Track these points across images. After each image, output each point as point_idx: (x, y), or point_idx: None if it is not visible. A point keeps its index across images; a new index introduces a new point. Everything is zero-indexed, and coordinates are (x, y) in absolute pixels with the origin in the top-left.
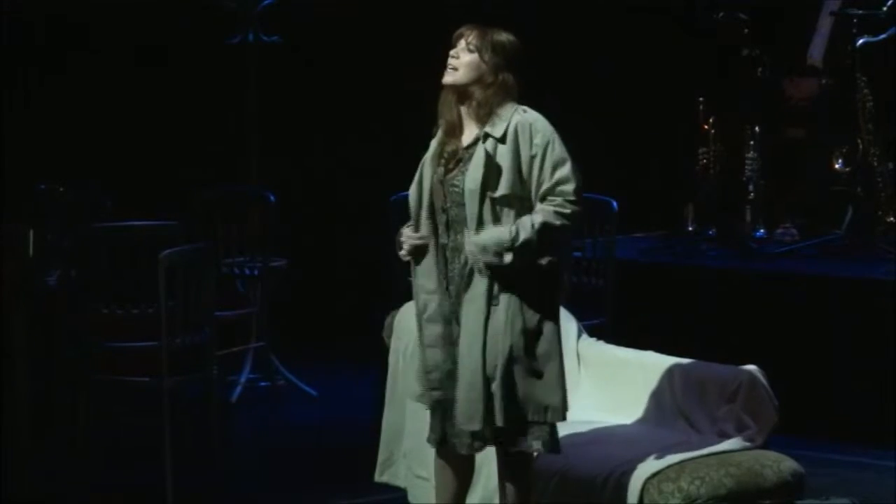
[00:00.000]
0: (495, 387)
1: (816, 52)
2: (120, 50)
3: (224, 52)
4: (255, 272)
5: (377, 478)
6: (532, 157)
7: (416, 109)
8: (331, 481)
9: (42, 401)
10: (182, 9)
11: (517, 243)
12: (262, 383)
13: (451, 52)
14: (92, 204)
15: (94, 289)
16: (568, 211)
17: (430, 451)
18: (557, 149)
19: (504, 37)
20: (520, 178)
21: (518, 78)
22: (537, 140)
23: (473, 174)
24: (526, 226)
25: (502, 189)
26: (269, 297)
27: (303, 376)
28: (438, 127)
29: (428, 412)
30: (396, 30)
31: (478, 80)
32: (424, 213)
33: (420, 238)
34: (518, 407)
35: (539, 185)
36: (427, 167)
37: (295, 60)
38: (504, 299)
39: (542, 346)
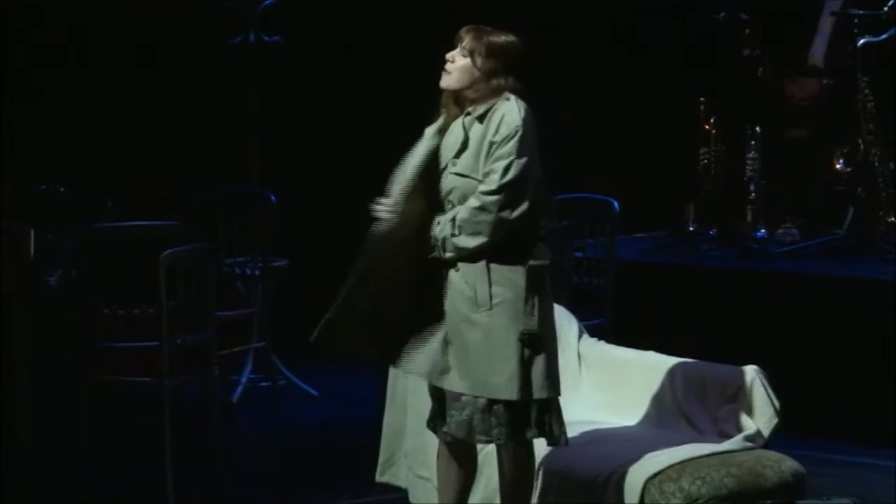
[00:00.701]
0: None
1: (817, 52)
2: (121, 50)
3: (225, 52)
4: (256, 272)
5: (378, 478)
6: (492, 144)
7: (417, 109)
8: (331, 481)
9: (42, 401)
10: (183, 9)
11: (438, 241)
12: (263, 383)
13: (448, 55)
14: (92, 204)
15: (94, 289)
16: (478, 204)
17: (432, 451)
18: (511, 144)
19: (502, 39)
20: (476, 161)
21: (517, 80)
22: (503, 130)
23: (449, 149)
24: (445, 222)
25: (459, 168)
26: (270, 297)
27: (304, 376)
28: (440, 116)
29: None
30: (397, 29)
31: (470, 85)
32: (408, 188)
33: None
34: (463, 374)
35: (484, 172)
36: (424, 143)
37: (296, 60)
38: (464, 269)
39: (497, 322)
